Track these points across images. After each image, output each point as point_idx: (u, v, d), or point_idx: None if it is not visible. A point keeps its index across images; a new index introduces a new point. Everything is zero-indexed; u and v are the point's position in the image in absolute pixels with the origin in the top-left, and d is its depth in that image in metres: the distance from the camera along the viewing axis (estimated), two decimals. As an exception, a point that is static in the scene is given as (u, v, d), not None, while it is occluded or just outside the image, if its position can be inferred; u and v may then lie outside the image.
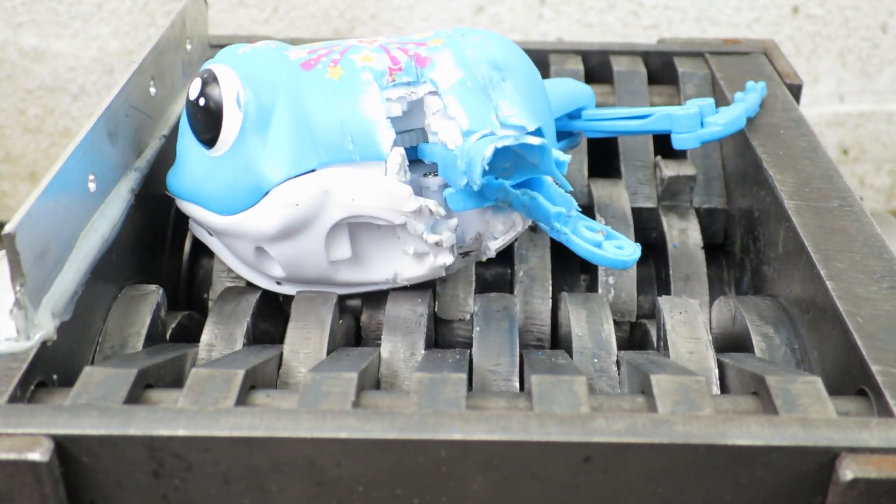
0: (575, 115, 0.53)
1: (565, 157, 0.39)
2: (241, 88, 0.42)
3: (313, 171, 0.41)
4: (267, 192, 0.42)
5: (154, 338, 0.43)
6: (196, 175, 0.44)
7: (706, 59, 0.63)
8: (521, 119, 0.43)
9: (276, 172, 0.41)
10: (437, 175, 0.44)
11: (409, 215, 0.42)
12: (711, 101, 0.51)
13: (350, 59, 0.43)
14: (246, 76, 0.42)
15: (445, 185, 0.43)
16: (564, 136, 0.54)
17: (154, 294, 0.44)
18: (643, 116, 0.51)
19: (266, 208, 0.42)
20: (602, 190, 0.55)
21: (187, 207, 0.46)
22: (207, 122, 0.42)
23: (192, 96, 0.43)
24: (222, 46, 0.62)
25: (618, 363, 0.43)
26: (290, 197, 0.41)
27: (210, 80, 0.43)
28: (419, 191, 0.44)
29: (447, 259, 0.43)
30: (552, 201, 0.41)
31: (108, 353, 0.41)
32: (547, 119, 0.45)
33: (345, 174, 0.41)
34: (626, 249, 0.40)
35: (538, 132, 0.44)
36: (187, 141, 0.45)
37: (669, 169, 0.54)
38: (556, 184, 0.42)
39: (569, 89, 0.53)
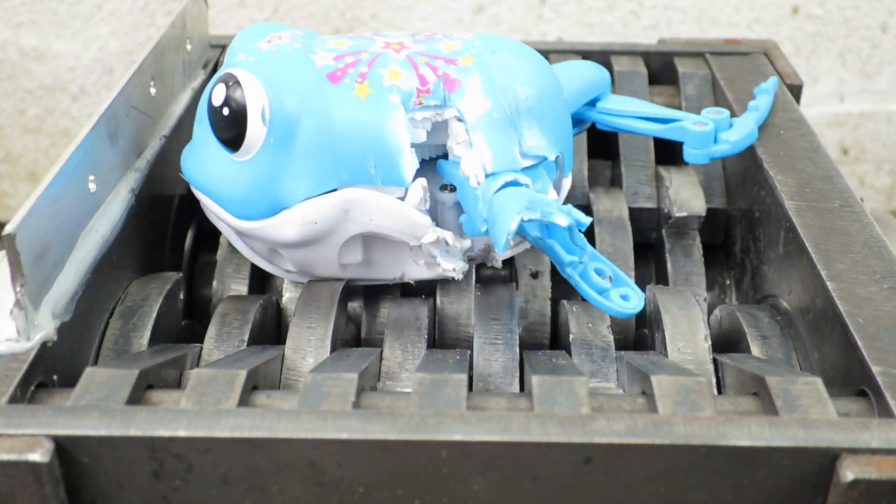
0: (590, 102, 0.52)
1: (586, 220, 0.39)
2: (266, 103, 0.41)
3: (334, 190, 0.41)
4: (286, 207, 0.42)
5: (172, 299, 0.44)
6: (213, 171, 0.43)
7: (706, 59, 0.63)
8: (543, 149, 0.43)
9: (297, 191, 0.41)
10: (454, 191, 0.44)
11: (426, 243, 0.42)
12: (727, 114, 0.51)
13: (378, 73, 0.42)
14: (271, 87, 0.41)
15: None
16: (577, 122, 0.53)
17: (175, 275, 0.46)
18: (657, 120, 0.51)
19: (284, 221, 0.42)
20: (602, 198, 0.55)
21: (202, 198, 0.45)
22: (230, 130, 0.42)
23: (216, 103, 0.42)
24: (223, 47, 0.62)
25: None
26: (310, 216, 0.42)
27: (235, 88, 0.41)
28: (435, 204, 0.44)
29: (457, 276, 0.44)
30: (567, 248, 0.41)
31: (130, 304, 0.43)
32: (566, 140, 0.46)
33: (365, 195, 0.41)
34: (631, 301, 0.41)
35: (555, 162, 0.44)
36: (206, 131, 0.43)
37: (679, 208, 0.52)
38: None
39: (587, 78, 0.52)
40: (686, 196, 0.53)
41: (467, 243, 0.44)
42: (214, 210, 0.45)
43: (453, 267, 0.44)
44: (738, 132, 0.50)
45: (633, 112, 0.51)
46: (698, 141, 0.49)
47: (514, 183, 0.41)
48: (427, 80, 0.43)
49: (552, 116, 0.44)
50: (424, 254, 0.44)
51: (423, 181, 0.42)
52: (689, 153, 0.50)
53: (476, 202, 0.41)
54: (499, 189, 0.41)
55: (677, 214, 0.52)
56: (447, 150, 0.44)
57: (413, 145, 0.42)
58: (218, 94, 0.42)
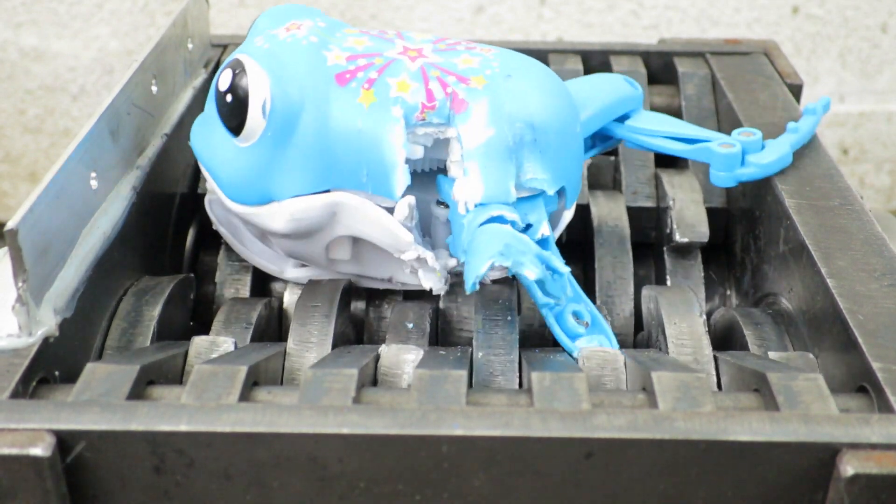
0: (620, 118, 0.51)
1: (563, 270, 0.39)
2: (268, 97, 0.41)
3: (326, 191, 0.42)
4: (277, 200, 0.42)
5: (185, 287, 0.45)
6: (216, 150, 0.44)
7: (706, 59, 0.63)
8: (543, 183, 0.42)
9: (288, 186, 0.41)
10: (448, 207, 0.44)
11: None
12: (759, 135, 0.49)
13: (386, 82, 0.42)
14: (276, 81, 0.41)
15: None
16: (605, 139, 0.52)
17: (185, 276, 0.47)
18: (685, 140, 0.50)
19: (274, 212, 0.42)
20: (601, 205, 0.54)
21: (203, 171, 0.46)
22: (231, 117, 0.42)
23: (222, 88, 0.42)
24: (224, 46, 0.63)
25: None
26: (298, 213, 0.42)
27: (241, 76, 0.41)
28: (428, 218, 0.44)
29: (436, 292, 0.45)
30: (545, 290, 0.41)
31: (142, 287, 0.44)
32: (572, 174, 0.44)
33: (354, 201, 0.42)
34: None
35: (558, 194, 0.44)
36: (214, 110, 0.44)
37: (682, 233, 0.51)
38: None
39: (617, 94, 0.50)
40: (690, 221, 0.52)
41: (452, 262, 0.44)
42: (214, 188, 0.45)
43: (430, 285, 0.44)
44: (770, 155, 0.49)
45: (661, 132, 0.50)
46: (724, 163, 0.48)
47: (501, 219, 0.40)
48: (434, 97, 0.42)
49: (559, 150, 0.43)
50: (408, 265, 0.44)
51: (411, 199, 0.41)
52: (715, 175, 0.48)
53: (462, 229, 0.41)
54: (483, 223, 0.40)
55: (679, 240, 0.51)
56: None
57: (413, 158, 0.42)
58: (224, 80, 0.42)
